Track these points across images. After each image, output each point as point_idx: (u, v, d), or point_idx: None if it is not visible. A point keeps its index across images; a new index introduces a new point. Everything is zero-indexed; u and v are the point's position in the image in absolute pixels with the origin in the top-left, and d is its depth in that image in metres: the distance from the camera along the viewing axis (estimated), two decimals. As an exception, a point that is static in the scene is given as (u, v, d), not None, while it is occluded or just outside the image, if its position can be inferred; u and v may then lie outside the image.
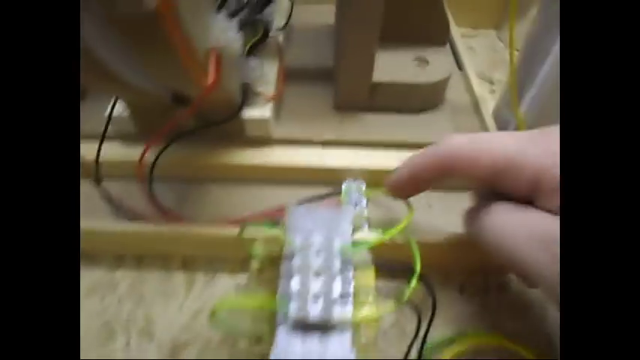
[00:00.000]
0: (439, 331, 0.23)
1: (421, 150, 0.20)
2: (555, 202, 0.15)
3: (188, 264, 0.26)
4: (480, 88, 0.33)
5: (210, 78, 0.17)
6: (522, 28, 0.34)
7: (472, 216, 0.19)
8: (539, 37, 0.29)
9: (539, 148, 0.16)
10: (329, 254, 0.17)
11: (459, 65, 0.36)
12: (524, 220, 0.16)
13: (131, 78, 0.17)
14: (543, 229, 0.15)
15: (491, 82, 0.40)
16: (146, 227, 0.24)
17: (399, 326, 0.23)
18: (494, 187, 0.18)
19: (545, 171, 0.16)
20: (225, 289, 0.25)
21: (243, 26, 0.23)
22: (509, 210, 0.17)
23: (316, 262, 0.17)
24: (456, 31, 0.39)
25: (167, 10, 0.12)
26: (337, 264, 0.17)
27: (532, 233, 0.16)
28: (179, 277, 0.25)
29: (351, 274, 0.17)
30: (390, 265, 0.19)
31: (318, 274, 0.17)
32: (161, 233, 0.23)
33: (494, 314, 0.24)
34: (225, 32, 0.17)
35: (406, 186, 0.21)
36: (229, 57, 0.18)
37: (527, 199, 0.17)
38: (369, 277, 0.18)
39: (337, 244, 0.18)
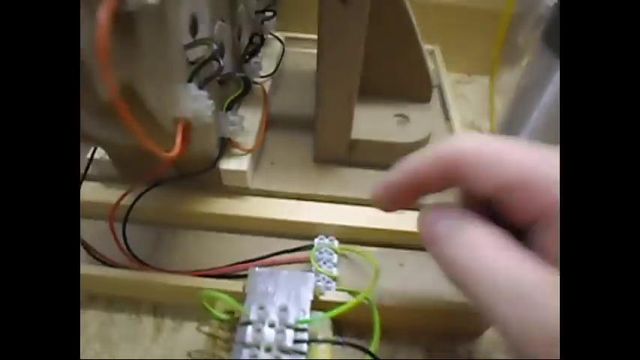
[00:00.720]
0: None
1: (418, 150, 0.16)
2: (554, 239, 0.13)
3: (158, 309, 0.26)
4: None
5: (176, 148, 0.17)
6: (515, 76, 0.34)
7: (444, 231, 0.15)
8: (528, 89, 0.29)
9: (555, 172, 0.13)
10: (283, 327, 0.17)
11: (447, 115, 0.36)
12: (503, 266, 0.13)
13: (107, 137, 0.18)
14: (520, 284, 0.13)
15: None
16: (114, 272, 0.24)
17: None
18: (494, 205, 0.15)
19: (557, 202, 0.13)
20: (192, 338, 0.25)
21: (224, 82, 0.24)
22: (492, 244, 0.14)
23: (269, 335, 0.17)
24: (446, 77, 0.40)
25: (119, 104, 0.12)
26: (290, 338, 0.17)
27: (506, 284, 0.13)
28: (148, 322, 0.25)
29: (305, 347, 0.18)
30: (348, 341, 0.19)
31: (269, 349, 0.17)
32: (128, 280, 0.24)
33: (459, 381, 0.24)
34: (195, 102, 0.17)
35: (398, 191, 0.17)
36: (200, 124, 0.19)
37: (525, 227, 0.14)
38: (324, 352, 0.18)
39: (293, 314, 0.18)
